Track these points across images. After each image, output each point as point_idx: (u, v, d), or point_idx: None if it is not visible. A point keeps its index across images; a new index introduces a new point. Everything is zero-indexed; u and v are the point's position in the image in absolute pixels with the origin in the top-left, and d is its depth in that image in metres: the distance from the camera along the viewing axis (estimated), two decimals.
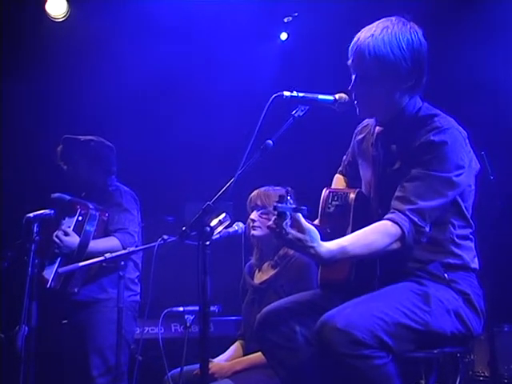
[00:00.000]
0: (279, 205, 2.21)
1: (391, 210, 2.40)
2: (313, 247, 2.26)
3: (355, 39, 2.50)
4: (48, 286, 3.66)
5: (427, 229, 2.40)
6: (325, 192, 2.66)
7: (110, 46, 5.45)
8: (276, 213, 2.22)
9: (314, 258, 2.31)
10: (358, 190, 2.65)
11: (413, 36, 2.46)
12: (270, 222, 2.27)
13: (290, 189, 2.33)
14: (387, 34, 2.44)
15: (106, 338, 3.64)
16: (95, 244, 3.72)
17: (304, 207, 2.27)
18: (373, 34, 2.45)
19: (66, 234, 3.69)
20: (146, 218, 4.12)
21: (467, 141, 2.50)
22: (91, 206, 3.81)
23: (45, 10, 5.49)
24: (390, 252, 2.37)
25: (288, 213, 2.22)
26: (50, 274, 3.68)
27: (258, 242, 3.62)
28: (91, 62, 5.50)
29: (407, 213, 2.37)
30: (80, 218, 3.76)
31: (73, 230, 3.72)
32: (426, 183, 2.39)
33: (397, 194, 2.43)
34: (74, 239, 3.69)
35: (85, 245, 3.67)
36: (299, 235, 2.24)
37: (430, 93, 2.59)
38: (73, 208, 3.79)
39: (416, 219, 2.37)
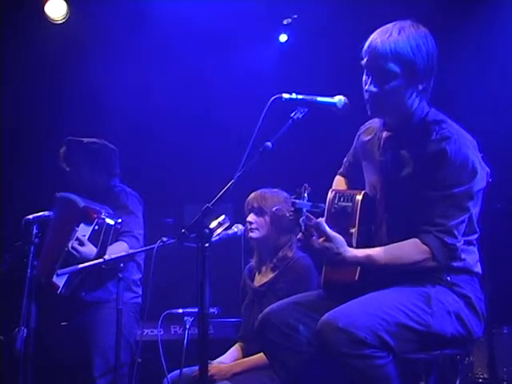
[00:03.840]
0: (297, 201, 2.24)
1: (423, 229, 2.43)
2: (339, 253, 2.40)
3: (371, 39, 2.50)
4: (59, 292, 3.62)
5: (459, 243, 2.45)
6: (330, 193, 2.67)
7: (110, 48, 5.45)
8: (293, 209, 2.25)
9: (341, 263, 2.44)
10: (364, 191, 2.66)
11: (428, 40, 2.49)
12: (300, 235, 2.37)
13: (306, 185, 2.35)
14: (405, 35, 2.45)
15: (109, 338, 3.61)
16: (109, 252, 3.61)
17: (322, 205, 2.32)
18: (391, 34, 2.46)
19: (81, 244, 3.61)
20: (146, 219, 4.11)
21: (476, 147, 2.51)
22: (106, 214, 3.72)
23: (44, 12, 5.48)
24: (423, 268, 2.43)
25: (304, 209, 2.26)
26: (60, 280, 3.62)
27: (257, 244, 3.62)
28: (91, 64, 5.50)
29: (435, 233, 2.41)
30: (96, 228, 3.66)
31: (88, 238, 3.64)
32: (448, 203, 2.42)
33: (424, 217, 2.45)
34: (90, 249, 3.61)
35: (102, 255, 3.60)
36: (326, 244, 2.39)
37: (432, 96, 2.59)
38: (88, 216, 3.69)
39: (445, 238, 2.41)
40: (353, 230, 2.52)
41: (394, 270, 2.45)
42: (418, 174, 2.50)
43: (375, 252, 2.44)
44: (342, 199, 2.61)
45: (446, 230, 2.41)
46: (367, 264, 2.43)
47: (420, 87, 2.50)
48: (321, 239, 2.40)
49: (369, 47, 2.50)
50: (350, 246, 2.47)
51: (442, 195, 2.42)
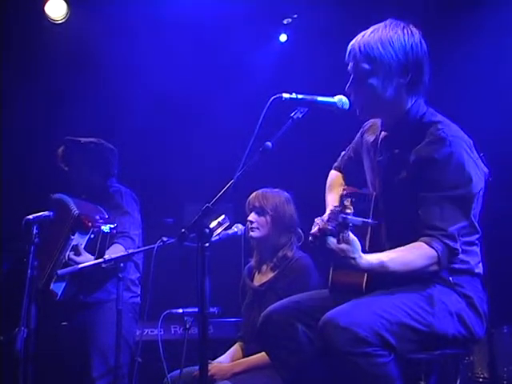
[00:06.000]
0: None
1: (425, 233, 2.41)
2: (354, 258, 2.31)
3: (351, 42, 2.55)
4: (57, 299, 3.61)
5: (460, 248, 2.44)
6: (342, 191, 2.66)
7: (110, 48, 5.44)
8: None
9: (353, 268, 2.35)
10: (375, 193, 2.64)
11: (405, 32, 2.50)
12: (315, 230, 2.31)
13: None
14: (378, 33, 2.50)
15: (108, 339, 3.60)
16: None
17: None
18: (364, 35, 2.52)
19: (78, 253, 3.58)
20: (146, 219, 4.11)
21: (473, 148, 2.50)
22: (101, 220, 3.71)
23: (44, 12, 5.48)
24: (428, 273, 2.41)
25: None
26: (59, 287, 3.61)
27: (257, 243, 3.62)
28: (91, 64, 5.50)
29: (440, 237, 2.39)
30: (92, 236, 3.64)
31: (85, 247, 3.61)
32: (446, 205, 2.41)
33: (423, 220, 2.43)
34: (86, 258, 3.57)
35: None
36: (343, 246, 2.28)
37: (429, 93, 2.59)
38: (83, 225, 3.65)
39: (449, 242, 2.40)
40: (367, 233, 2.50)
41: (404, 276, 2.42)
42: (412, 176, 2.49)
43: (389, 258, 2.37)
44: (355, 200, 2.58)
45: (448, 234, 2.39)
46: (380, 271, 2.37)
47: (402, 81, 2.50)
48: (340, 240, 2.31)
49: (347, 51, 2.56)
50: (364, 249, 2.41)
51: (438, 197, 2.41)
